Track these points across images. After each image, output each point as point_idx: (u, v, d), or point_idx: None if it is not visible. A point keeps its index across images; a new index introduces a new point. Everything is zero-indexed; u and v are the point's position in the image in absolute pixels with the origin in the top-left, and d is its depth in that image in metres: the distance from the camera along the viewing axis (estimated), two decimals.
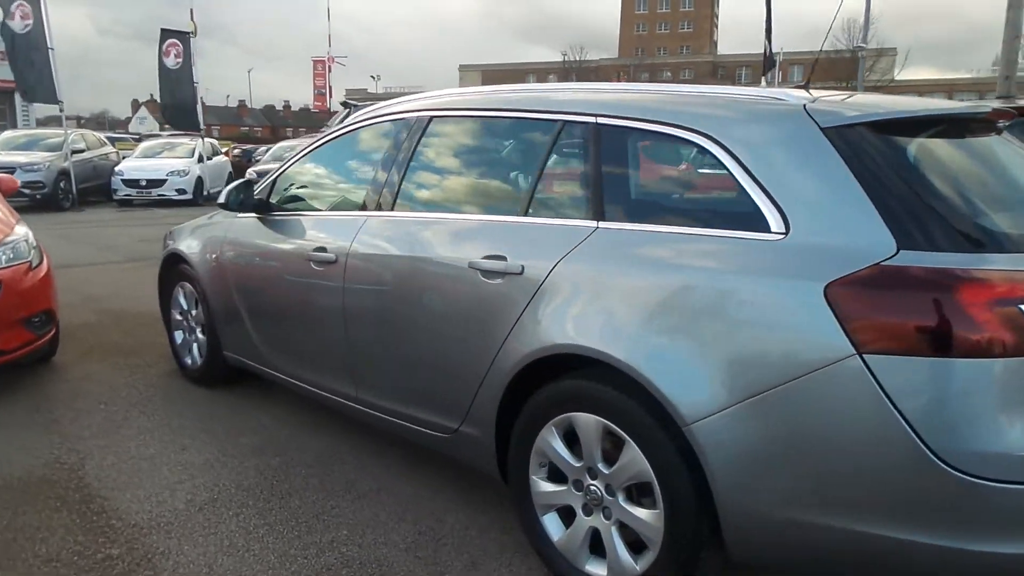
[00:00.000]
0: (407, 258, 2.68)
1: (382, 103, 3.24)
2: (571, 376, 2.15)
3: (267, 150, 19.34)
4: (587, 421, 2.10)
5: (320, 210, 3.35)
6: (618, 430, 2.03)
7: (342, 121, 12.55)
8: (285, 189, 3.52)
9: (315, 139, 3.45)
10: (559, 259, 2.17)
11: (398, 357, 2.73)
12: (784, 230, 1.83)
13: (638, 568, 2.05)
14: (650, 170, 2.33)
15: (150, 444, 3.31)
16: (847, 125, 1.85)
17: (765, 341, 1.78)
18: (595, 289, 2.10)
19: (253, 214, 3.52)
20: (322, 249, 3.00)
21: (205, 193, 16.31)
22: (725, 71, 78.80)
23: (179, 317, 4.20)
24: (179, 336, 4.24)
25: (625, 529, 2.09)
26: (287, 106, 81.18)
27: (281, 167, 3.56)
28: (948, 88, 59.67)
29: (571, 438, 2.19)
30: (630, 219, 2.14)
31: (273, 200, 3.52)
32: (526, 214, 2.39)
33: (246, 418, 3.64)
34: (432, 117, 2.86)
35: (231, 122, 70.25)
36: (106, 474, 3.02)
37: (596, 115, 2.30)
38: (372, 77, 76.18)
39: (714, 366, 1.84)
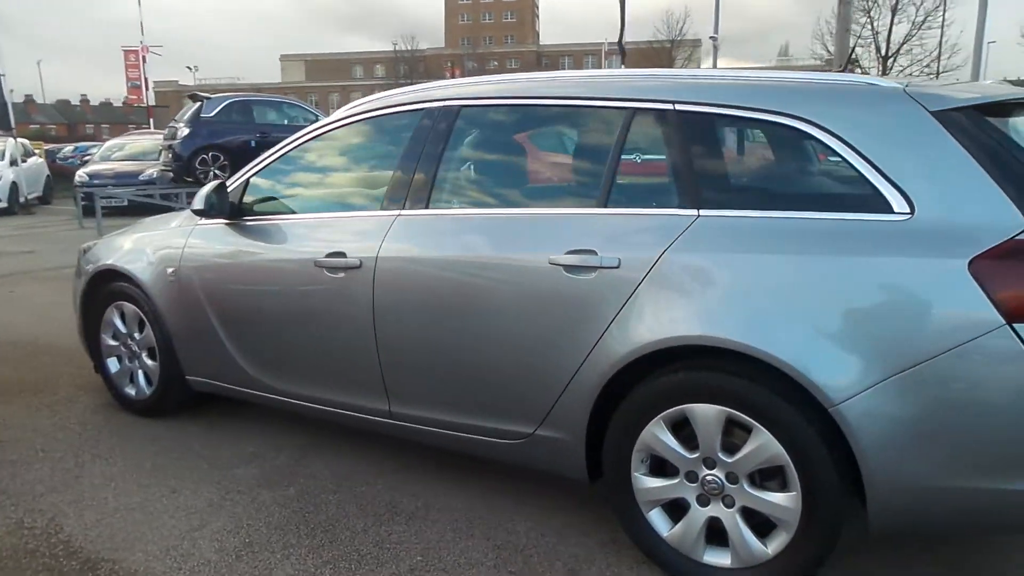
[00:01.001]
0: (463, 258, 2.50)
1: (378, 95, 2.99)
2: (686, 368, 2.11)
3: (85, 149, 17.45)
4: (706, 412, 2.08)
5: (320, 212, 3.04)
6: (744, 417, 2.02)
7: (194, 115, 11.63)
8: (265, 191, 3.17)
9: (298, 136, 3.12)
10: (663, 250, 2.12)
11: (450, 365, 2.54)
12: (909, 211, 1.89)
13: (769, 551, 2.06)
14: (744, 156, 2.33)
15: (129, 492, 2.87)
16: (955, 108, 1.95)
17: (907, 318, 1.85)
18: (713, 279, 2.07)
19: (225, 220, 3.13)
20: (339, 254, 2.72)
21: (22, 200, 14.40)
22: (549, 61, 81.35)
23: (113, 343, 3.66)
24: (113, 364, 3.70)
25: (748, 515, 2.10)
26: (85, 100, 73.40)
27: (254, 167, 3.20)
28: None
29: (679, 431, 2.16)
30: (732, 207, 2.12)
31: (248, 203, 3.16)
32: (605, 205, 2.31)
33: (228, 447, 3.26)
34: (462, 107, 2.67)
35: (18, 120, 62.46)
36: (96, 532, 2.58)
37: (673, 102, 2.26)
38: (188, 68, 70.66)
39: (855, 346, 1.88)
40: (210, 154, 11.64)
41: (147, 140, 15.88)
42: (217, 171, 11.72)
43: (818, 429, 1.93)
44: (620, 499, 2.29)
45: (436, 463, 3.03)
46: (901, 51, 27.72)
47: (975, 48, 12.01)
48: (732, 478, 2.10)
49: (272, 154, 3.16)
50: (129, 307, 3.52)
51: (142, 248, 3.48)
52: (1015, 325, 1.73)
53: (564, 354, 2.28)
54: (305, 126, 11.69)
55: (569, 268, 2.25)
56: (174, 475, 3.00)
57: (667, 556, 2.23)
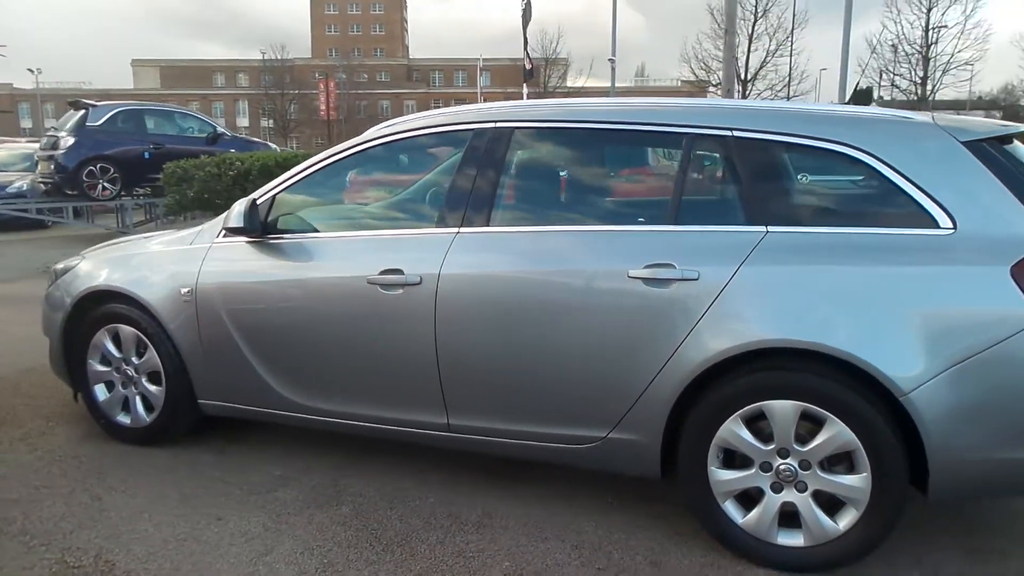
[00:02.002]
0: (536, 273, 2.62)
1: (418, 115, 3.05)
2: (764, 368, 2.35)
3: None
4: (783, 407, 2.33)
5: (362, 230, 3.05)
6: (818, 410, 2.29)
7: (78, 123, 10.80)
8: (294, 208, 3.13)
9: (329, 154, 3.11)
10: (740, 263, 2.35)
11: (518, 377, 2.65)
12: (952, 226, 2.24)
13: (840, 527, 2.34)
14: (800, 178, 2.60)
15: (170, 523, 2.74)
16: (980, 139, 2.32)
17: (960, 316, 2.18)
18: (788, 288, 2.32)
19: (254, 238, 3.07)
20: (394, 271, 2.76)
21: None
22: (420, 75, 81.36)
23: (102, 368, 3.45)
24: (101, 392, 3.49)
25: (818, 497, 2.36)
26: None
27: (281, 183, 3.15)
28: (604, 95, 68.72)
29: (752, 425, 2.40)
30: (797, 223, 2.39)
31: (274, 221, 3.11)
32: (676, 223, 2.52)
33: (253, 472, 3.17)
34: (515, 129, 2.80)
35: None
36: (155, 565, 2.47)
37: (731, 128, 2.51)
38: (31, 71, 64.62)
39: (918, 343, 2.19)
40: (98, 166, 10.85)
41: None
42: (106, 184, 10.96)
43: (885, 417, 2.23)
44: (696, 492, 2.49)
45: (482, 473, 3.11)
46: (758, 76, 30.28)
47: (841, 74, 13.43)
48: (805, 465, 2.35)
49: (301, 171, 3.13)
50: (127, 330, 3.34)
51: (146, 267, 3.32)
52: None
53: (642, 360, 2.46)
54: (203, 138, 11.15)
55: (648, 281, 2.44)
56: (210, 503, 2.90)
57: (743, 541, 2.45)
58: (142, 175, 11.27)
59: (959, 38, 28.62)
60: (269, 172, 9.80)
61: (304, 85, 60.44)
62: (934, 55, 28.82)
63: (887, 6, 29.57)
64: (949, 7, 29.21)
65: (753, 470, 2.42)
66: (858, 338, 2.23)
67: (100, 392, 3.49)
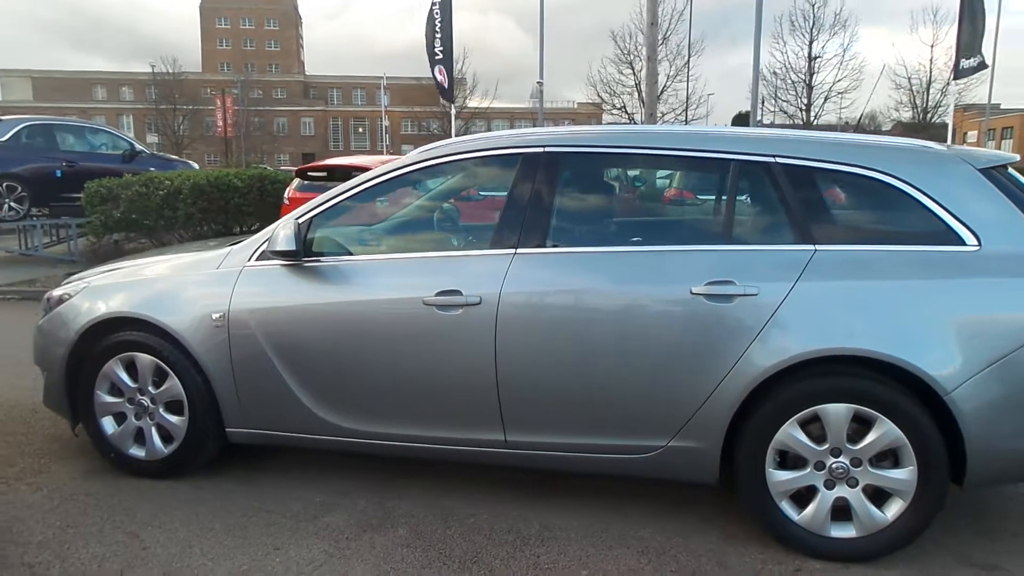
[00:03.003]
0: (599, 291, 2.74)
1: (461, 139, 3.11)
2: (820, 374, 2.56)
3: None
4: (837, 410, 2.54)
5: (408, 252, 3.06)
6: (870, 411, 2.52)
7: None
8: (333, 231, 3.12)
9: (366, 177, 3.11)
10: (796, 279, 2.57)
11: (580, 392, 2.75)
12: (977, 243, 2.54)
13: (889, 516, 2.57)
14: (840, 201, 2.83)
15: (225, 555, 2.66)
16: (992, 166, 2.64)
17: (992, 322, 2.47)
18: (840, 301, 2.54)
19: (292, 261, 3.04)
20: (452, 292, 2.81)
21: None
22: (317, 92, 79.87)
23: (112, 399, 3.29)
24: (109, 424, 3.31)
25: (867, 491, 2.59)
26: None
27: (318, 206, 3.12)
28: (509, 116, 69.88)
29: (805, 427, 2.60)
30: (840, 243, 2.63)
31: (311, 242, 3.09)
32: (731, 242, 2.71)
33: (293, 500, 3.10)
34: (565, 153, 2.92)
35: None
36: None
37: (774, 155, 2.74)
38: None
39: (956, 346, 2.46)
40: (3, 184, 10.10)
41: None
42: (13, 203, 10.21)
43: (929, 415, 2.49)
44: (755, 494, 2.67)
45: (523, 488, 3.18)
46: (660, 99, 31.63)
47: (752, 99, 14.36)
48: (856, 462, 2.58)
49: (338, 194, 3.12)
50: (144, 358, 3.20)
51: (166, 292, 3.20)
52: None
53: (705, 371, 2.63)
54: (118, 155, 10.65)
55: (710, 297, 2.61)
56: (260, 533, 2.82)
57: (799, 537, 2.64)
58: (54, 194, 10.56)
59: (838, 68, 31.16)
60: (201, 192, 9.46)
61: (195, 100, 57.95)
62: (817, 83, 31.23)
63: (775, 37, 31.74)
64: (828, 40, 31.74)
65: (808, 470, 2.62)
66: (903, 344, 2.48)
67: (108, 424, 3.32)
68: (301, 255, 3.03)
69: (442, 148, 3.10)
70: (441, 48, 15.55)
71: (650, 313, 2.69)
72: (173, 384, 3.18)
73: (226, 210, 9.84)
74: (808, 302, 2.56)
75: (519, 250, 2.84)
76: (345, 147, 73.08)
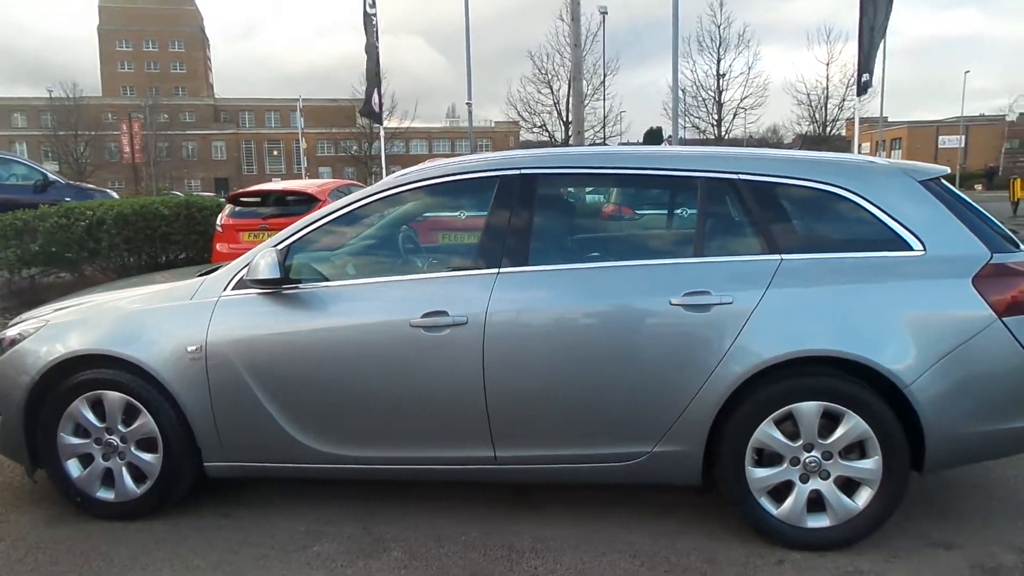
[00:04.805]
0: (581, 307, 2.84)
1: (437, 164, 3.18)
2: (793, 375, 2.74)
3: None
4: (808, 407, 2.73)
5: (390, 275, 3.09)
6: (838, 407, 2.72)
7: None
8: (311, 257, 3.12)
9: (344, 203, 3.13)
10: (766, 287, 2.75)
11: (568, 405, 2.85)
12: (923, 248, 2.78)
13: (859, 505, 2.76)
14: (800, 214, 3.02)
15: None
16: (930, 179, 2.90)
17: (941, 319, 2.72)
18: (807, 306, 2.74)
19: (270, 289, 3.02)
20: (439, 313, 2.87)
21: None
22: (228, 115, 77.83)
23: (77, 440, 3.16)
24: (75, 467, 3.18)
25: (838, 482, 2.78)
26: None
27: (295, 233, 3.11)
28: (427, 135, 70.03)
29: (780, 426, 2.78)
30: (802, 251, 2.83)
31: (289, 269, 3.08)
32: (703, 255, 2.87)
33: (275, 529, 3.06)
34: (541, 175, 3.03)
35: None
36: None
37: (737, 173, 2.93)
38: None
39: (912, 343, 2.69)
40: None
41: None
42: None
43: (891, 408, 2.70)
44: (736, 491, 2.82)
45: (506, 503, 3.23)
46: None
47: (673, 116, 14.96)
48: (827, 455, 2.77)
49: (315, 220, 3.13)
50: (113, 396, 3.09)
51: (136, 326, 3.11)
52: (1004, 319, 2.68)
53: (686, 377, 2.77)
54: (29, 186, 10.16)
55: (688, 307, 2.77)
56: (252, 566, 2.78)
57: (779, 529, 2.81)
58: None
59: (744, 86, 32.75)
60: (126, 221, 9.10)
61: (96, 126, 55.33)
62: (726, 100, 32.73)
63: (684, 57, 33.08)
64: (734, 59, 33.37)
65: (784, 466, 2.79)
66: (866, 343, 2.69)
67: (74, 467, 3.19)
68: (281, 282, 3.02)
69: (418, 173, 3.15)
70: (377, 71, 15.56)
71: (632, 325, 2.82)
72: (146, 421, 3.09)
73: (152, 240, 9.48)
74: (778, 308, 2.74)
75: (502, 270, 2.92)
76: (259, 171, 71.33)
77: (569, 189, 3.17)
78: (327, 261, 3.28)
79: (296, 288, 3.06)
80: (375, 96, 15.22)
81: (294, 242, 3.11)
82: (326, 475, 3.09)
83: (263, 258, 2.95)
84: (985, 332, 2.68)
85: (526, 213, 2.99)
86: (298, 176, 52.05)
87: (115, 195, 11.90)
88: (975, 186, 41.16)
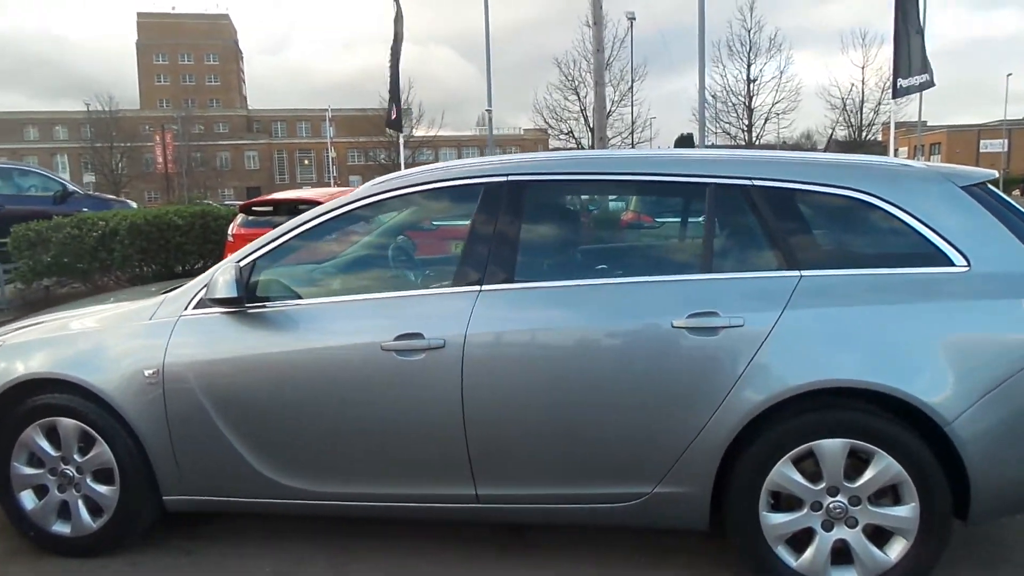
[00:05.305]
0: (573, 329, 2.53)
1: (418, 170, 2.89)
2: (811, 408, 2.39)
3: None
4: (832, 445, 2.37)
5: (364, 293, 2.80)
6: (867, 446, 2.36)
7: None
8: (279, 273, 2.85)
9: (315, 214, 2.85)
10: (783, 308, 2.40)
11: (557, 439, 2.53)
12: (967, 264, 2.41)
13: (892, 557, 2.40)
14: (822, 224, 2.68)
15: None
16: (974, 184, 2.53)
17: (989, 346, 2.34)
18: (830, 329, 2.39)
19: (233, 309, 2.75)
20: (413, 335, 2.57)
21: None
22: (261, 125, 78.89)
23: (31, 471, 2.92)
24: (29, 499, 2.95)
25: (867, 531, 2.42)
26: None
27: (261, 247, 2.85)
28: (456, 143, 70.07)
29: (799, 465, 2.42)
30: (825, 267, 2.48)
31: (256, 287, 2.81)
32: (711, 271, 2.54)
33: (241, 570, 2.80)
34: (530, 182, 2.73)
35: None
36: None
37: (751, 178, 2.59)
38: None
39: (955, 374, 2.32)
40: None
41: None
42: None
43: (930, 447, 2.34)
44: (749, 539, 2.47)
45: (479, 542, 2.92)
46: (606, 124, 32.00)
47: (699, 121, 14.57)
48: (855, 501, 2.40)
49: (283, 233, 2.86)
50: (68, 423, 2.85)
51: (90, 348, 2.87)
52: None
53: (691, 410, 2.43)
54: (49, 196, 10.13)
55: (693, 330, 2.43)
56: None
57: None
58: None
59: (776, 91, 32.05)
60: (139, 231, 9.01)
61: (134, 137, 56.32)
62: (757, 105, 32.04)
63: (714, 62, 32.51)
64: (766, 63, 32.66)
65: (804, 511, 2.44)
66: (899, 373, 2.33)
67: (28, 499, 2.95)
68: (244, 301, 2.75)
69: (396, 180, 2.87)
70: (393, 85, 15.50)
71: (629, 350, 2.50)
72: (102, 450, 2.84)
73: (167, 249, 9.38)
74: (796, 331, 2.39)
75: (484, 287, 2.62)
76: (291, 180, 72.15)
77: (562, 198, 2.86)
78: (300, 277, 3.01)
79: (263, 307, 2.79)
80: (393, 109, 15.10)
81: (260, 257, 2.84)
82: (293, 512, 2.81)
83: (222, 275, 2.68)
84: None
85: (513, 224, 2.68)
86: (327, 185, 52.39)
87: (134, 205, 11.87)
88: (1013, 191, 39.77)
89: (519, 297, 2.61)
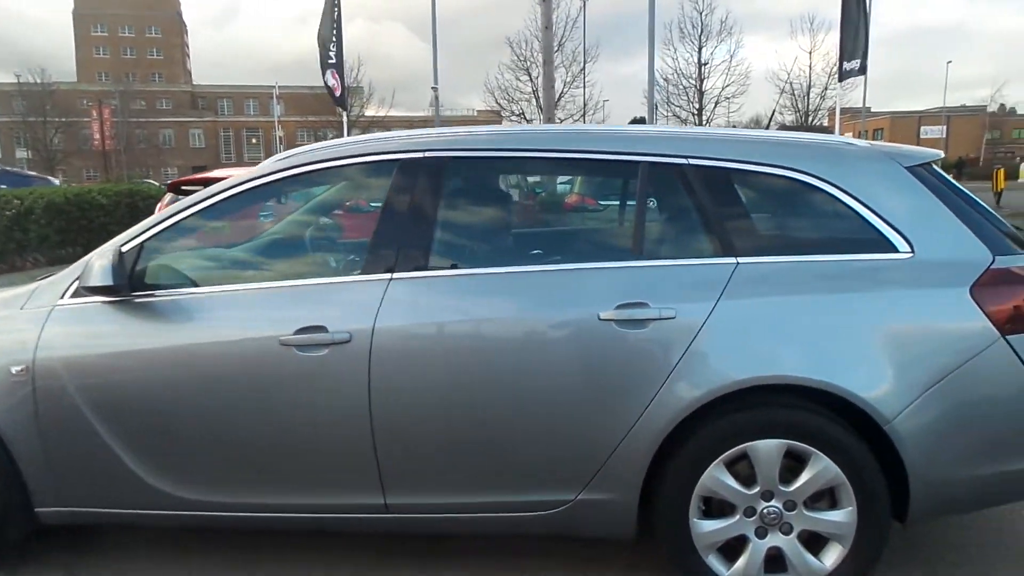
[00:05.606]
0: (492, 321, 2.30)
1: (328, 144, 2.61)
2: (745, 407, 2.22)
3: None
4: (767, 446, 2.21)
5: (265, 281, 2.52)
6: (805, 447, 2.20)
7: None
8: (169, 258, 2.55)
9: (213, 191, 2.56)
10: (717, 298, 2.22)
11: (474, 442, 2.31)
12: (911, 250, 2.26)
13: (828, 565, 2.25)
14: (761, 207, 2.50)
15: None
16: (919, 165, 2.38)
17: (930, 339, 2.20)
18: (767, 321, 2.21)
19: (116, 297, 2.45)
20: (316, 328, 2.31)
21: None
22: (206, 102, 76.39)
23: None
24: None
25: (802, 537, 2.26)
26: None
27: (149, 228, 2.55)
28: (408, 123, 68.96)
29: (732, 468, 2.26)
30: (763, 254, 2.30)
31: (143, 274, 2.51)
32: (641, 257, 2.33)
33: None
34: (450, 158, 2.48)
35: None
36: None
37: (686, 156, 2.39)
38: None
39: (896, 369, 2.17)
40: None
41: None
42: None
43: (869, 447, 2.19)
44: (679, 548, 2.30)
45: (417, 549, 2.70)
46: (558, 106, 31.82)
47: (648, 101, 14.45)
48: (790, 505, 2.25)
49: (175, 213, 2.55)
50: None
51: None
52: (1007, 337, 2.17)
53: (618, 410, 2.24)
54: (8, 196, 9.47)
55: (621, 322, 2.23)
56: None
57: None
58: None
59: (726, 74, 32.18)
60: (57, 210, 8.48)
61: (70, 112, 53.85)
62: (707, 88, 32.16)
63: (666, 44, 32.45)
64: (716, 47, 32.75)
65: (737, 517, 2.27)
66: (838, 368, 2.17)
67: None
68: (127, 289, 2.45)
69: (301, 156, 2.58)
70: (335, 52, 14.88)
71: (551, 344, 2.28)
72: None
73: (89, 230, 8.89)
74: (732, 324, 2.21)
75: (396, 275, 2.37)
76: (237, 159, 70.12)
77: (485, 176, 2.62)
78: (199, 263, 2.72)
79: (151, 295, 2.49)
80: (332, 77, 14.52)
81: (148, 239, 2.54)
82: (183, 524, 2.54)
83: (99, 259, 2.38)
84: (985, 354, 2.17)
85: (429, 205, 2.43)
86: None
87: (56, 182, 11.22)
88: (950, 175, 40.85)
89: (434, 286, 2.37)
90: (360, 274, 2.42)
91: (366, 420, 2.32)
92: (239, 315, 2.43)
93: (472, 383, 2.29)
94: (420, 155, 2.48)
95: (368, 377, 2.30)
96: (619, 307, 2.23)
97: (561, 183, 2.88)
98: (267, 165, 2.61)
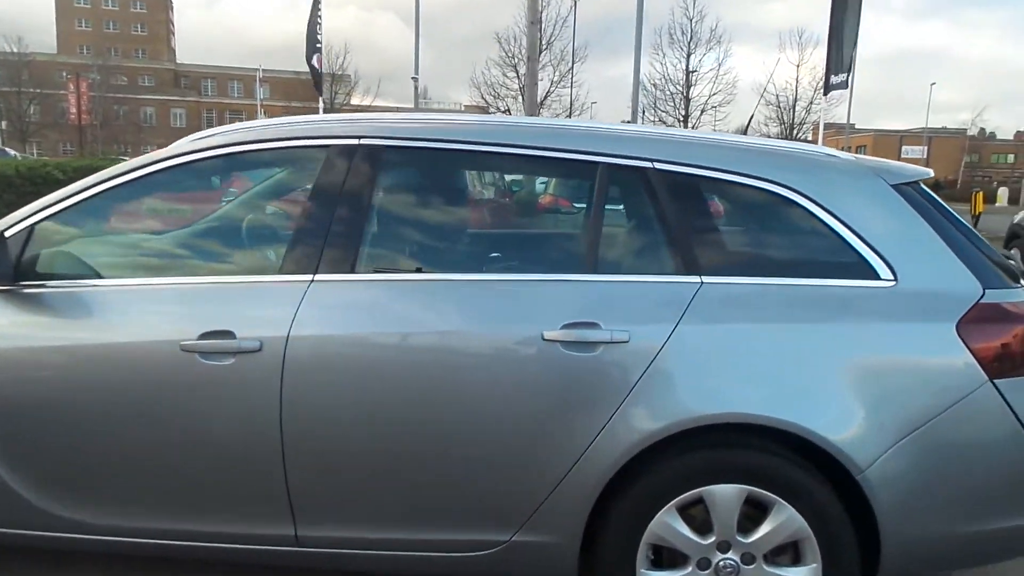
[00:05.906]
0: (421, 336, 2.03)
1: (248, 125, 2.33)
2: (702, 446, 1.97)
3: None
4: (725, 492, 1.96)
5: (171, 276, 2.23)
6: (767, 494, 1.96)
7: None
8: (63, 244, 2.25)
9: (115, 172, 2.25)
10: (677, 321, 1.96)
11: (395, 472, 2.04)
12: (893, 278, 2.02)
13: None
14: (731, 221, 2.25)
15: None
16: (907, 183, 2.14)
17: (912, 380, 1.96)
18: (730, 350, 1.96)
19: (3, 286, 2.15)
20: (222, 333, 2.03)
21: None
22: (189, 82, 75.15)
23: None
24: None
25: None
26: None
27: (41, 209, 2.24)
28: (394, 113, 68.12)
29: (686, 514, 2.01)
30: (730, 274, 2.05)
31: (31, 262, 2.20)
32: (596, 271, 2.07)
33: None
34: (386, 147, 2.20)
35: None
36: None
37: (652, 159, 2.13)
38: None
39: (872, 411, 1.93)
40: None
41: None
42: None
43: (838, 497, 1.95)
44: None
45: None
46: (544, 104, 31.55)
47: (632, 104, 14.27)
48: (748, 559, 2.01)
49: (72, 193, 2.25)
50: None
51: None
52: (995, 380, 1.94)
53: (559, 443, 1.98)
54: None
55: (568, 344, 1.97)
56: None
57: None
58: None
59: (713, 82, 32.10)
60: (8, 184, 8.06)
61: (47, 84, 52.60)
62: (694, 95, 32.04)
63: (654, 49, 32.29)
64: (705, 55, 32.67)
65: (689, 569, 2.02)
66: (807, 408, 1.93)
67: None
68: (10, 279, 2.15)
69: (219, 137, 2.29)
70: (322, 36, 14.57)
71: (489, 365, 2.01)
72: None
73: None
74: (691, 351, 1.96)
75: (318, 276, 2.09)
76: None
77: (428, 170, 2.34)
78: (106, 252, 2.42)
79: (41, 287, 2.19)
80: (317, 61, 14.18)
81: (39, 223, 2.23)
82: (70, 547, 2.23)
83: None
84: (971, 398, 1.93)
85: (361, 200, 2.15)
86: None
87: (14, 154, 10.75)
88: None
89: (360, 291, 2.09)
90: (277, 274, 2.13)
91: (276, 442, 2.04)
92: (140, 314, 2.14)
93: (397, 405, 2.02)
94: (355, 142, 2.19)
95: (280, 392, 2.02)
96: (566, 327, 1.97)
97: (514, 181, 2.60)
98: (183, 144, 2.31)
